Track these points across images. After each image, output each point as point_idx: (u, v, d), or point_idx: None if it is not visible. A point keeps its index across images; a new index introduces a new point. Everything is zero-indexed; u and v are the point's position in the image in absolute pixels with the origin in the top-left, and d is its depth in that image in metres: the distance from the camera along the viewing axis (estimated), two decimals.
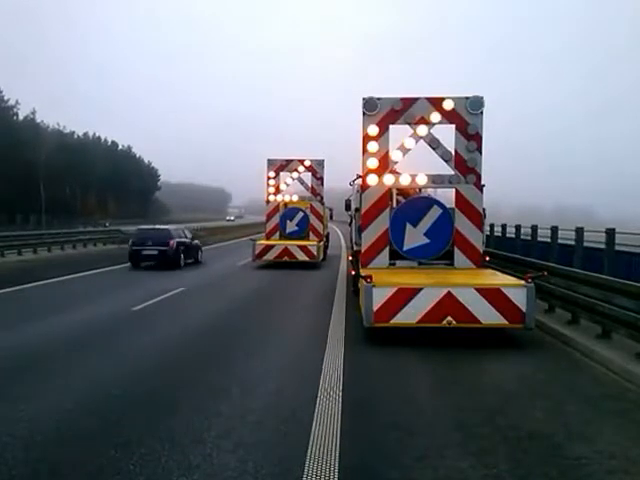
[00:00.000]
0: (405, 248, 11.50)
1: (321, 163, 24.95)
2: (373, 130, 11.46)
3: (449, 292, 9.02)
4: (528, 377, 7.61)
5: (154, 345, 9.27)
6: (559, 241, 14.20)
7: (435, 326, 9.01)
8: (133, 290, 15.64)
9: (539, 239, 15.62)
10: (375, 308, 9.03)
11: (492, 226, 19.63)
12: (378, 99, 11.52)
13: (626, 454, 5.05)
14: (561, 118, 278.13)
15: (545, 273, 10.32)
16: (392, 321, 9.04)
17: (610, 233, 11.29)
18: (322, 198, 24.72)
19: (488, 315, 8.94)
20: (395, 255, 11.59)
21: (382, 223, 11.50)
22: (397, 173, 12.12)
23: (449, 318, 8.93)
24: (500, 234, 19.36)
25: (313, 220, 24.13)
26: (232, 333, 10.28)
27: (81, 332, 10.03)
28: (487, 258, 12.11)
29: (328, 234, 28.13)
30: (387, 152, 11.60)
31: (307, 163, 24.61)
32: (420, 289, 9.09)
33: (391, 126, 11.56)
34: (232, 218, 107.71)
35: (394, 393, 6.86)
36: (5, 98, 71.64)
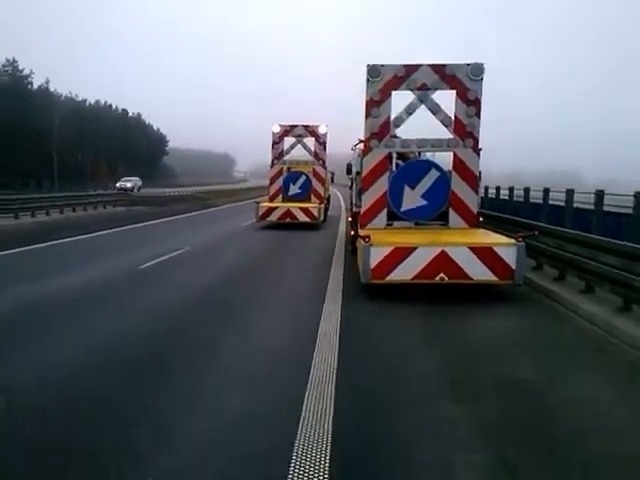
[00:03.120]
0: (403, 209, 11.61)
1: (324, 129, 24.86)
2: (376, 96, 11.45)
3: (443, 251, 9.15)
4: (515, 330, 7.76)
5: (160, 301, 9.38)
6: (550, 202, 14.27)
7: (429, 282, 9.18)
8: (141, 249, 15.74)
9: (531, 201, 15.70)
10: (372, 266, 9.18)
11: (486, 188, 19.66)
12: (381, 66, 11.47)
13: (607, 399, 5.24)
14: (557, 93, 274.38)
15: (536, 232, 10.43)
16: (388, 278, 9.20)
17: (599, 194, 11.36)
18: (324, 162, 24.71)
19: (479, 272, 9.09)
20: (393, 216, 11.70)
21: (382, 186, 11.56)
22: (397, 137, 12.15)
23: (442, 275, 9.08)
24: (494, 196, 19.40)
25: (315, 183, 24.14)
26: (235, 289, 10.44)
27: (89, 290, 10.07)
28: (481, 219, 12.22)
29: (329, 197, 28.18)
30: (389, 117, 11.60)
31: (310, 128, 24.55)
32: (415, 248, 9.22)
33: (393, 92, 11.55)
34: (129, 185, 59.64)
35: (387, 344, 7.02)
36: (20, 67, 71.12)
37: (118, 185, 59.71)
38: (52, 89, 76.95)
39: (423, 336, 7.44)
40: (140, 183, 64.09)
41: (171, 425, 4.60)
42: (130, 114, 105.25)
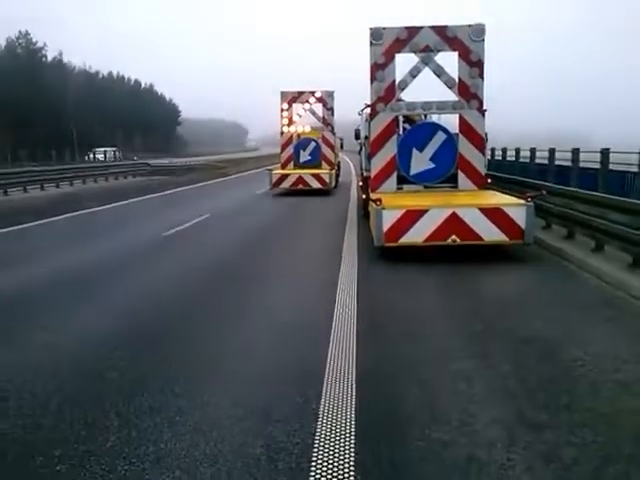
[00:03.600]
0: (412, 173, 11.32)
1: (331, 94, 24.23)
2: (380, 59, 11.07)
3: (454, 212, 8.92)
4: (526, 288, 7.61)
5: (185, 267, 9.27)
6: (556, 162, 13.89)
7: (441, 244, 8.97)
8: (163, 218, 15.59)
9: (537, 161, 15.29)
10: (385, 229, 8.98)
11: (493, 150, 19.21)
12: (384, 29, 11.05)
13: (617, 355, 5.06)
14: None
15: (544, 192, 10.15)
16: (400, 240, 9.01)
17: (605, 153, 10.97)
18: (333, 128, 24.15)
19: (490, 233, 8.87)
20: (402, 180, 11.43)
21: (390, 149, 11.27)
22: (403, 101, 11.77)
23: (454, 236, 8.87)
24: (500, 157, 18.97)
25: (325, 149, 23.68)
26: (256, 254, 10.32)
27: (117, 257, 10.06)
28: (489, 180, 11.92)
29: (339, 163, 27.72)
30: (394, 81, 11.24)
31: (318, 94, 23.88)
32: (427, 210, 9.00)
33: (397, 55, 11.15)
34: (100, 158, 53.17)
35: (403, 303, 6.89)
36: (34, 40, 70.07)
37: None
38: (65, 61, 76.03)
39: (437, 295, 7.30)
40: (118, 154, 57.31)
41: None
42: (143, 85, 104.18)
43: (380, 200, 9.16)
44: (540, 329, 5.76)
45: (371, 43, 11.06)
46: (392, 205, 9.22)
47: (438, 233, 8.90)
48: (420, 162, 11.26)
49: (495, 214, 8.91)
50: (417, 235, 8.94)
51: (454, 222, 8.89)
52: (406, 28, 11.05)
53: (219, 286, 7.87)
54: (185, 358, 5.12)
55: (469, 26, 10.91)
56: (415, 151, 11.26)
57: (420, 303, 6.91)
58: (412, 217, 8.98)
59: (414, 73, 11.34)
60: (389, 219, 8.99)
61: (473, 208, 9.03)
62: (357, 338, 5.46)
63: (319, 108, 24.20)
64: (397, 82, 11.26)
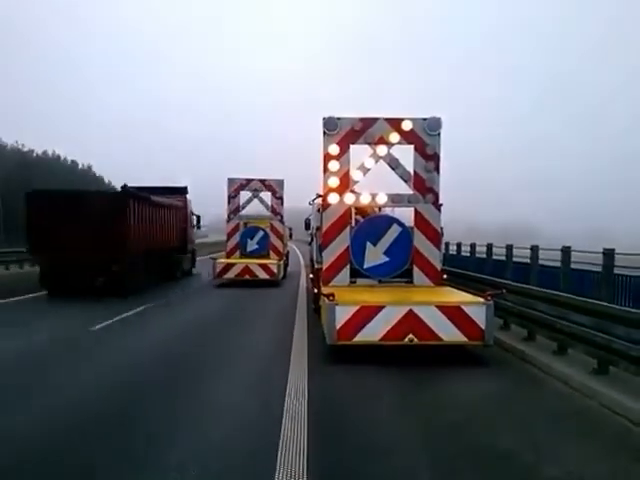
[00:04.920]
0: (366, 266, 11.29)
1: (280, 183, 24.64)
2: (334, 149, 11.28)
3: (411, 310, 8.78)
4: (491, 395, 7.34)
5: (112, 371, 8.69)
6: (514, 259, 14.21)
7: (397, 344, 8.74)
8: (96, 307, 14.90)
9: (494, 257, 15.62)
10: (338, 326, 8.71)
11: (447, 244, 19.61)
12: (338, 119, 11.36)
13: (595, 473, 4.85)
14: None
15: (504, 290, 10.20)
16: (355, 339, 8.73)
17: (566, 251, 11.28)
18: (282, 217, 24.35)
19: (449, 332, 8.73)
20: (356, 273, 11.34)
21: (343, 242, 11.27)
22: (357, 192, 11.94)
23: (411, 336, 8.69)
24: (455, 252, 19.35)
25: (273, 239, 23.69)
26: (198, 352, 9.79)
27: (43, 352, 9.43)
28: (445, 276, 11.99)
29: (288, 253, 27.71)
30: (347, 171, 11.42)
31: (267, 183, 24.29)
32: (382, 307, 8.82)
33: (351, 146, 11.40)
34: None
35: (360, 413, 6.50)
36: None
37: None
38: None
39: (396, 405, 6.94)
40: None
41: None
42: (80, 166, 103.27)
43: (333, 295, 8.94)
44: (513, 445, 5.47)
45: (324, 132, 11.30)
46: (346, 300, 9.02)
47: (395, 332, 8.69)
48: (374, 255, 11.26)
49: (453, 313, 8.82)
50: (372, 333, 8.70)
51: (411, 320, 8.73)
52: (360, 119, 11.39)
53: (153, 396, 7.24)
54: None
55: (424, 119, 11.34)
56: (369, 244, 11.28)
57: (378, 413, 6.53)
58: (367, 314, 8.76)
59: (368, 164, 11.59)
60: (342, 315, 8.74)
61: (430, 306, 8.92)
62: (308, 459, 4.99)
63: (268, 197, 24.45)
64: (351, 173, 11.44)
